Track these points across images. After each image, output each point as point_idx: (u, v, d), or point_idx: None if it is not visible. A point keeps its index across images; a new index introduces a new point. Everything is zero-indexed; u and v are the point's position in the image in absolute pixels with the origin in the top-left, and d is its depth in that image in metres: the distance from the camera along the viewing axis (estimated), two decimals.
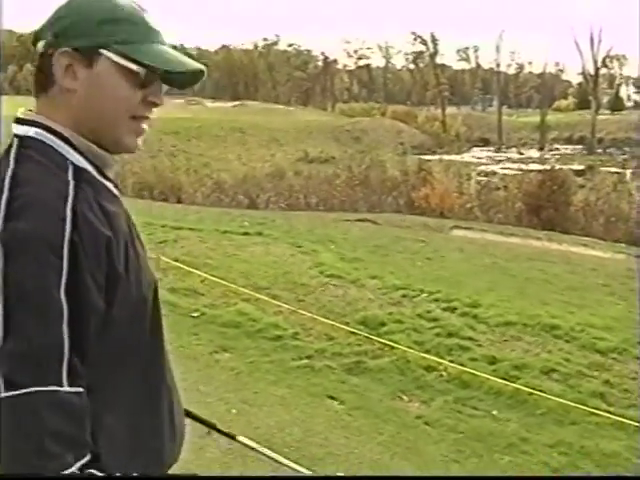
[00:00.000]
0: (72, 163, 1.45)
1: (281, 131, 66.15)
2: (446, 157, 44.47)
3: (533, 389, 5.78)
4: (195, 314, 7.84)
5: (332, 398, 5.77)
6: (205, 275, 8.81)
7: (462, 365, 6.32)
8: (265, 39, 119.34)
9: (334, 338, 7.03)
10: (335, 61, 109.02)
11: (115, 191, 1.58)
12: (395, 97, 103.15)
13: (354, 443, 4.97)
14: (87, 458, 1.30)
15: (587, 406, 5.47)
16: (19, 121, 1.49)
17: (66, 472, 1.25)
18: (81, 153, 1.48)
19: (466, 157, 50.45)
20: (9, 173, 1.37)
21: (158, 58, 1.50)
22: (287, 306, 7.73)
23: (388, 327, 7.33)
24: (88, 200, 1.39)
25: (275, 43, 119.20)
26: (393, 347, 6.63)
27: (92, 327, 1.34)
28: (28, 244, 1.28)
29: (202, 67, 1.58)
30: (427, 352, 6.68)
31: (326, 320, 7.23)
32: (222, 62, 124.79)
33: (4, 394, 1.23)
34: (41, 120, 1.48)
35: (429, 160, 39.80)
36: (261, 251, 10.86)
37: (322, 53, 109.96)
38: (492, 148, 60.80)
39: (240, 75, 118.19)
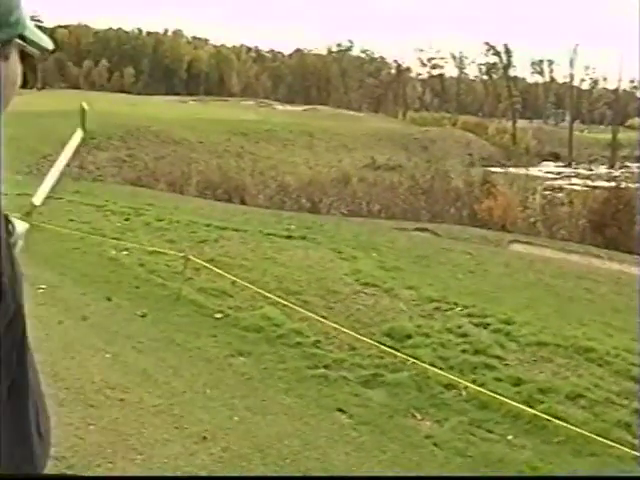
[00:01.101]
0: None
1: (350, 137, 66.05)
2: (514, 170, 43.78)
3: (554, 415, 5.44)
4: (218, 315, 7.68)
5: (341, 411, 5.53)
6: (230, 276, 8.63)
7: (484, 385, 6.02)
8: (339, 44, 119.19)
9: (356, 349, 6.78)
10: (408, 69, 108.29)
11: None
12: (467, 108, 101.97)
13: (353, 460, 4.73)
14: None
15: (609, 438, 5.10)
16: None
17: None
18: None
19: (534, 171, 49.57)
20: None
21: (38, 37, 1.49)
22: (310, 313, 7.48)
23: (414, 340, 7.06)
24: None
25: (349, 49, 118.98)
26: (414, 363, 6.35)
27: None
28: None
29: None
30: (450, 369, 6.39)
31: (347, 330, 6.97)
32: (295, 66, 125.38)
33: None
34: None
35: (495, 173, 39.18)
36: (300, 255, 10.67)
37: (395, 60, 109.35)
38: (562, 163, 59.68)
39: (313, 79, 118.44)
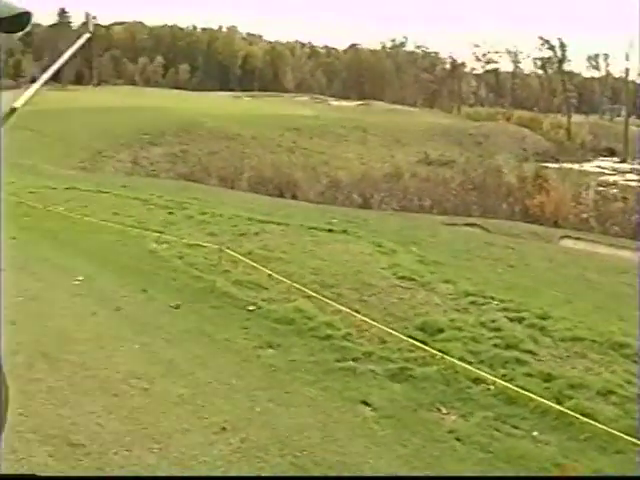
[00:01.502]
0: None
1: (403, 132, 65.75)
2: (568, 165, 43.14)
3: (582, 412, 5.31)
4: (251, 307, 7.67)
5: (365, 404, 5.47)
6: (266, 269, 8.62)
7: (513, 380, 5.91)
8: (393, 40, 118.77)
9: (386, 342, 6.71)
10: (463, 64, 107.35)
11: None
12: (522, 102, 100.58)
13: (372, 453, 4.68)
14: None
15: (636, 436, 4.96)
16: None
17: None
18: None
19: (589, 166, 48.79)
20: None
21: None
22: (342, 306, 7.44)
23: (446, 334, 6.96)
24: None
25: (403, 44, 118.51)
26: (443, 357, 6.26)
27: None
28: None
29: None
30: (481, 363, 6.29)
31: (377, 324, 6.91)
32: (350, 62, 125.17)
33: None
34: None
35: (548, 168, 38.66)
36: (339, 249, 10.63)
37: (450, 56, 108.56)
38: (617, 159, 58.58)
39: (367, 75, 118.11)
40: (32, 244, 10.32)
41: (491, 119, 73.80)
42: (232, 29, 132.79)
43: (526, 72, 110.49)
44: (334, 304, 7.53)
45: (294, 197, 29.80)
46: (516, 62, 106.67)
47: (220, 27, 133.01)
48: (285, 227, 12.24)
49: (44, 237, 10.83)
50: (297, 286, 8.09)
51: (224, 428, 4.88)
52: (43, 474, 2.65)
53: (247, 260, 9.01)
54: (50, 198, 14.54)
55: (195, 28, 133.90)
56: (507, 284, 8.98)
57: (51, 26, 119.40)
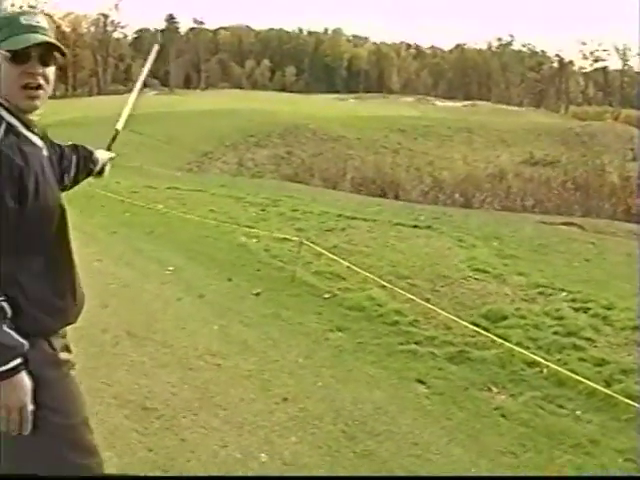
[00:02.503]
0: (5, 121, 2.29)
1: (509, 132, 65.04)
2: None
3: (629, 395, 5.53)
4: (327, 295, 8.15)
5: (421, 382, 5.85)
6: (345, 262, 9.06)
7: (566, 364, 6.17)
8: (499, 39, 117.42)
9: (450, 328, 7.06)
10: (570, 62, 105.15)
11: (34, 139, 2.42)
12: (631, 101, 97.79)
13: (418, 424, 5.06)
14: (2, 297, 2.15)
15: None
16: None
17: None
18: (11, 113, 2.31)
19: None
20: None
21: (16, 43, 2.25)
22: (413, 296, 7.81)
23: (508, 321, 7.26)
24: (10, 144, 2.24)
25: (509, 43, 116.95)
26: (503, 342, 6.56)
27: (9, 220, 2.17)
28: None
29: (45, 40, 2.33)
30: (538, 349, 6.57)
31: (441, 311, 7.25)
32: (455, 62, 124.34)
33: None
34: None
35: None
36: (421, 243, 10.99)
37: (557, 54, 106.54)
38: None
39: (473, 75, 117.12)
40: (130, 238, 11.13)
41: (598, 118, 72.18)
42: (338, 31, 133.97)
43: (636, 70, 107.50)
44: (406, 293, 7.90)
45: (396, 197, 30.06)
46: (625, 60, 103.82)
47: (326, 30, 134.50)
48: (372, 223, 12.67)
49: (142, 231, 11.61)
50: (373, 277, 8.48)
51: (285, 399, 5.35)
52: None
53: (328, 253, 9.45)
54: (151, 197, 15.42)
55: (301, 31, 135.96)
56: (580, 277, 9.15)
57: (160, 31, 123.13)
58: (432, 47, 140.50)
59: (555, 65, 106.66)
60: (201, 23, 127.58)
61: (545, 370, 6.08)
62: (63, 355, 2.47)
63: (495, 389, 5.80)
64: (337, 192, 22.32)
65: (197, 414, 4.99)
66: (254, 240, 10.95)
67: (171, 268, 9.15)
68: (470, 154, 56.06)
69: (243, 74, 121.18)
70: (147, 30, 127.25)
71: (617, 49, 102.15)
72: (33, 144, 2.40)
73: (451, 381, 5.90)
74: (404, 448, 4.68)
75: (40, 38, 2.29)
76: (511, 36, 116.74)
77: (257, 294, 8.17)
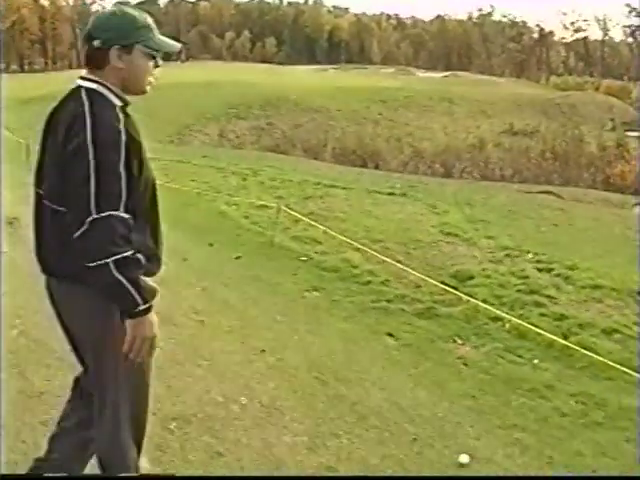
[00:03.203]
0: (117, 105, 2.64)
1: (489, 103, 65.37)
2: None
3: (584, 346, 5.94)
4: (303, 258, 8.53)
5: (390, 335, 6.25)
6: (322, 227, 9.43)
7: (528, 319, 6.59)
8: (480, 9, 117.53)
9: (420, 287, 7.47)
10: (551, 33, 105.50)
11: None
12: (612, 71, 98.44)
13: (386, 373, 5.45)
14: (132, 251, 2.50)
15: (627, 365, 5.55)
16: (84, 79, 2.67)
17: (126, 254, 2.48)
18: (118, 97, 2.68)
19: None
20: (87, 107, 2.55)
21: (162, 45, 2.77)
22: (385, 257, 8.20)
23: (475, 281, 7.69)
24: (127, 123, 2.58)
25: (490, 14, 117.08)
26: (469, 299, 6.97)
27: (131, 186, 2.53)
28: (106, 143, 2.49)
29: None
30: (502, 305, 7.00)
31: (412, 271, 7.66)
32: (436, 32, 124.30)
33: (95, 216, 2.44)
34: (101, 81, 2.65)
35: (632, 137, 38.23)
36: (395, 210, 11.39)
37: (537, 25, 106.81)
38: None
39: (454, 46, 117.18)
40: None
41: (579, 89, 72.64)
42: (318, 2, 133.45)
43: (616, 40, 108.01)
44: (379, 255, 8.29)
45: (377, 167, 30.40)
46: (605, 30, 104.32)
47: (306, 0, 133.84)
48: (349, 191, 13.06)
49: None
50: (348, 240, 8.87)
51: (264, 351, 5.73)
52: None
53: (306, 219, 9.82)
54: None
55: (281, 2, 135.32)
56: (546, 240, 9.59)
57: (138, 4, 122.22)
58: (413, 18, 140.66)
59: (536, 35, 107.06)
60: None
61: (507, 324, 6.50)
62: None
63: (460, 341, 6.21)
64: (318, 162, 22.65)
65: (182, 364, 5.34)
66: (233, 207, 11.30)
67: None
68: (450, 124, 56.45)
69: (223, 46, 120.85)
70: (126, 2, 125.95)
71: (597, 19, 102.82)
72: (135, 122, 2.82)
73: (419, 334, 6.31)
74: (372, 392, 5.07)
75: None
76: (491, 6, 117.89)
77: (237, 258, 8.54)
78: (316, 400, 4.90)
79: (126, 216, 2.53)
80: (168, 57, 3.11)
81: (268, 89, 58.13)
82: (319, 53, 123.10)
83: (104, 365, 2.85)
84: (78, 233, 2.48)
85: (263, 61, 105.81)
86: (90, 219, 2.46)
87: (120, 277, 2.51)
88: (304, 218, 9.77)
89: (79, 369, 5.42)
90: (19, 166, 15.97)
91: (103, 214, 2.46)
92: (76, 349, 2.99)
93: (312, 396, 4.95)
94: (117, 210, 2.49)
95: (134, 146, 2.56)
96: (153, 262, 2.84)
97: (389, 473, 4.07)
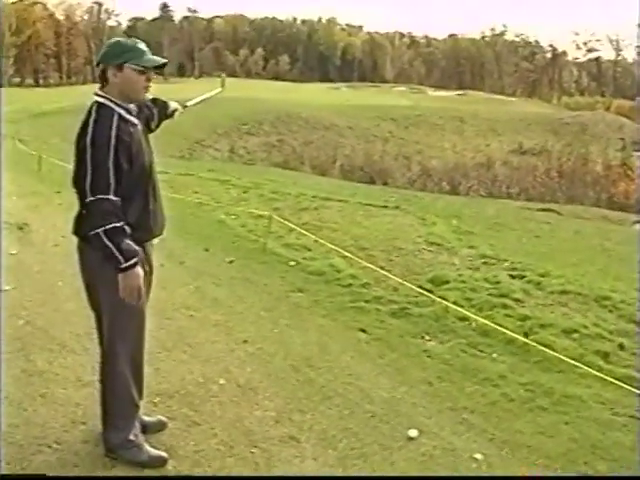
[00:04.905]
0: (116, 112, 3.65)
1: (500, 122, 65.97)
2: None
3: (541, 343, 6.44)
4: (292, 263, 9.11)
5: (363, 331, 6.80)
6: (312, 235, 10.01)
7: (494, 319, 7.12)
8: (492, 29, 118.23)
9: (397, 290, 8.02)
10: (564, 53, 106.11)
11: (134, 120, 3.78)
12: (625, 91, 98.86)
13: (355, 362, 6.00)
14: (123, 223, 3.56)
15: (580, 361, 6.04)
16: (96, 94, 3.70)
17: (112, 225, 3.50)
18: (120, 106, 3.69)
19: None
20: (92, 118, 3.58)
21: (149, 62, 3.73)
22: (368, 263, 8.77)
23: (450, 285, 8.22)
24: (121, 128, 3.60)
25: (502, 33, 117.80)
26: (441, 301, 7.51)
27: (122, 175, 3.57)
28: (100, 144, 3.51)
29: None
30: (472, 307, 7.53)
31: (392, 276, 8.22)
32: (449, 51, 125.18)
33: (90, 198, 3.52)
34: (107, 95, 3.69)
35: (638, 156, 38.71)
36: (386, 221, 11.95)
37: (550, 45, 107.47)
38: None
39: (466, 64, 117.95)
40: None
41: (590, 108, 73.15)
42: (332, 20, 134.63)
43: (629, 60, 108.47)
44: (362, 261, 8.86)
45: (385, 184, 30.98)
46: (618, 50, 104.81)
47: (320, 18, 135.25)
48: (344, 204, 13.63)
49: None
50: (336, 248, 9.43)
51: (245, 341, 6.30)
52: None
53: (299, 229, 10.39)
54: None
55: (295, 20, 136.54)
56: (524, 250, 10.13)
57: (153, 20, 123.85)
58: (426, 36, 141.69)
59: (548, 55, 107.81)
60: (194, 12, 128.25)
61: (474, 323, 7.04)
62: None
63: (427, 337, 6.76)
64: (319, 177, 23.25)
65: (170, 351, 5.93)
66: (232, 217, 11.90)
67: (155, 241, 10.08)
68: (460, 143, 57.04)
69: (237, 62, 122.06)
70: (141, 18, 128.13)
71: (610, 39, 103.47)
72: (134, 124, 3.77)
73: (389, 331, 6.87)
74: (339, 377, 5.63)
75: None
76: (504, 26, 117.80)
77: (231, 262, 9.13)
78: (287, 383, 5.46)
79: (114, 198, 3.54)
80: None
81: (280, 106, 58.95)
82: (332, 70, 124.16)
83: (101, 304, 3.96)
84: (82, 211, 3.67)
85: (276, 78, 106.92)
86: (87, 201, 3.55)
87: (108, 242, 3.53)
88: (297, 228, 10.34)
89: (78, 354, 6.19)
90: (31, 176, 16.73)
91: (94, 197, 3.52)
92: (89, 295, 4.02)
93: (284, 380, 5.52)
94: (106, 194, 3.51)
95: (122, 146, 3.55)
96: (146, 232, 3.96)
97: (344, 443, 4.63)
